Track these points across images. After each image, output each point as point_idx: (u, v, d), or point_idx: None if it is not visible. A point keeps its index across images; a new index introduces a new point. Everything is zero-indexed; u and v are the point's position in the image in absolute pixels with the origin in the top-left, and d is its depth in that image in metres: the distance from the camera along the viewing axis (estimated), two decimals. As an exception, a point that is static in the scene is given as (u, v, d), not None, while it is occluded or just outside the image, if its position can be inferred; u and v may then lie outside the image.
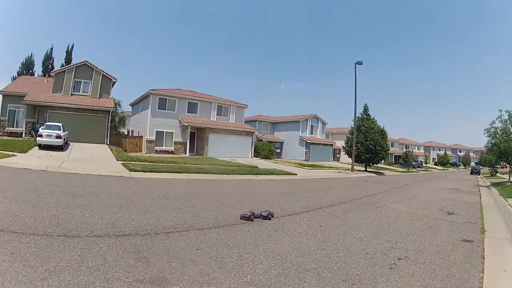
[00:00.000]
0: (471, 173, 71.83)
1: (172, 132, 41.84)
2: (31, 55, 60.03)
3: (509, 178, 31.80)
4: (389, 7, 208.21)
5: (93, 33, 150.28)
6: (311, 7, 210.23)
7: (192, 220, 7.29)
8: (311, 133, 64.23)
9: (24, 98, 31.86)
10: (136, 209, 8.03)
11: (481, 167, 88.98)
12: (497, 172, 60.21)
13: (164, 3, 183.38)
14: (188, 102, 44.76)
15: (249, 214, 8.18)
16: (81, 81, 37.05)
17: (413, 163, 79.85)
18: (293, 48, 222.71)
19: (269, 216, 8.49)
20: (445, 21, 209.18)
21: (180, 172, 19.01)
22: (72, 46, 59.96)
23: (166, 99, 42.21)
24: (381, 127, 48.88)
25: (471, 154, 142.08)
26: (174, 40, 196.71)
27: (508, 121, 29.68)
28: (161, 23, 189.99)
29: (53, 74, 37.50)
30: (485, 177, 57.28)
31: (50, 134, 23.69)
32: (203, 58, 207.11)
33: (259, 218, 8.38)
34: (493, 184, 31.75)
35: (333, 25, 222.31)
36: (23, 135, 32.96)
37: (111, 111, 36.12)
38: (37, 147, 23.49)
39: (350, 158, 44.89)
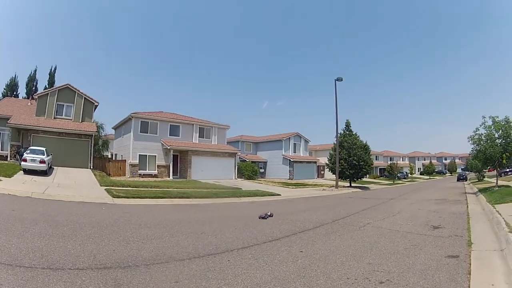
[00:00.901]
0: (457, 180, 72.58)
1: (155, 156, 41.98)
2: (15, 76, 60.71)
3: (496, 183, 31.86)
4: (369, 21, 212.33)
5: (75, 55, 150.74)
6: (292, 23, 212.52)
7: (173, 251, 7.31)
8: (294, 152, 65.06)
9: (8, 121, 31.77)
10: (118, 239, 8.08)
11: (467, 173, 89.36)
12: (484, 177, 60.22)
13: (145, 25, 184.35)
14: (170, 125, 45.10)
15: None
16: (63, 105, 37.18)
17: (398, 174, 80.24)
18: (274, 66, 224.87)
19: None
20: (425, 31, 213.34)
21: (162, 197, 19.05)
22: (55, 68, 60.19)
23: (148, 122, 42.40)
24: (364, 142, 48.86)
25: (456, 160, 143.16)
26: (155, 61, 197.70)
27: (493, 127, 30.01)
28: (142, 44, 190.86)
29: (36, 97, 37.45)
30: (472, 183, 57.31)
31: (34, 158, 23.79)
32: (185, 79, 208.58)
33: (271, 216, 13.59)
34: (480, 190, 31.59)
35: (313, 42, 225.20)
36: (8, 158, 32.79)
37: (93, 135, 36.26)
38: (22, 172, 23.43)
39: (334, 175, 44.78)
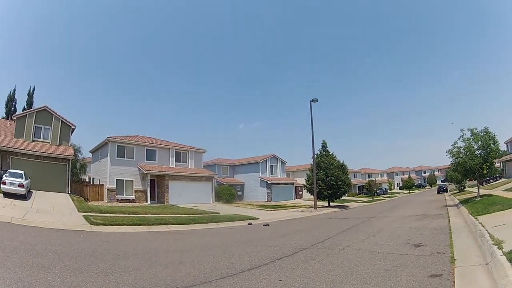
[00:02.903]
0: (438, 192, 73.75)
1: (132, 180, 41.91)
2: (-5, 95, 59.34)
3: (478, 193, 31.76)
4: (343, 32, 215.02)
5: (51, 75, 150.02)
6: (266, 45, 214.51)
7: (151, 283, 7.27)
8: (271, 173, 65.51)
9: (-13, 142, 31.06)
10: (96, 271, 8.04)
11: (447, 184, 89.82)
12: (465, 187, 60.51)
13: (123, 45, 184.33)
14: (147, 149, 45.50)
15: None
16: (41, 127, 37.09)
17: (377, 191, 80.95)
18: (249, 87, 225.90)
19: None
20: (398, 43, 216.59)
21: (140, 225, 19.04)
22: (34, 89, 59.45)
23: (125, 146, 42.65)
24: (341, 162, 49.19)
25: (436, 173, 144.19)
26: (133, 82, 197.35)
27: (471, 139, 30.16)
28: (120, 64, 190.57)
29: (15, 118, 37.12)
30: (453, 194, 58.00)
31: (13, 182, 23.55)
32: (160, 101, 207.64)
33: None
34: (462, 202, 31.75)
35: (286, 61, 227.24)
36: (-12, 179, 32.28)
37: (71, 159, 35.82)
38: (1, 194, 23.15)
39: (313, 195, 44.74)
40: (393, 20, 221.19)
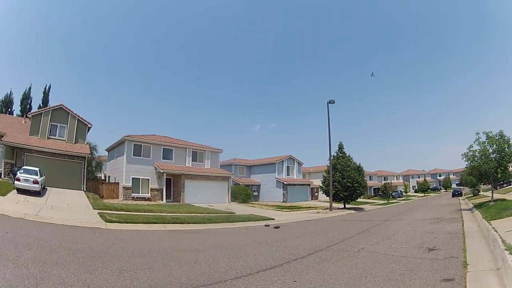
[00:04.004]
0: (452, 196, 72.98)
1: (148, 179, 42.00)
2: (10, 93, 60.25)
3: (492, 197, 31.56)
4: (357, 36, 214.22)
5: (70, 74, 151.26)
6: (280, 48, 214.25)
7: (166, 281, 7.23)
8: (288, 174, 65.14)
9: (2, 139, 31.69)
10: (111, 268, 8.02)
11: (462, 188, 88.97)
12: (479, 192, 59.58)
13: (141, 46, 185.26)
14: (163, 148, 45.49)
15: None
16: (57, 125, 37.38)
17: (392, 194, 79.72)
18: (266, 88, 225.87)
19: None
20: (413, 44, 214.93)
21: (156, 223, 19.02)
22: (49, 87, 60.02)
23: (141, 145, 42.67)
24: (357, 164, 49.47)
25: (451, 176, 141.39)
26: (149, 83, 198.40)
27: (487, 142, 29.95)
28: (137, 65, 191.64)
29: (30, 116, 37.46)
30: (467, 198, 57.26)
31: (27, 178, 23.70)
32: (178, 101, 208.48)
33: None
34: (476, 206, 31.54)
35: (302, 63, 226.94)
36: (2, 175, 32.59)
37: (86, 157, 36.06)
38: (15, 191, 23.31)
39: (328, 197, 44.63)
40: (407, 21, 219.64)
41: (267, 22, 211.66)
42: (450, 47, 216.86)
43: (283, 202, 59.01)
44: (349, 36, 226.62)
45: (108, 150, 51.73)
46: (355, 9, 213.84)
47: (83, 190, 34.37)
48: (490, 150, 29.98)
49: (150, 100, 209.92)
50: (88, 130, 41.34)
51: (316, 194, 72.13)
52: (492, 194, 32.51)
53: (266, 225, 23.52)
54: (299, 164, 71.02)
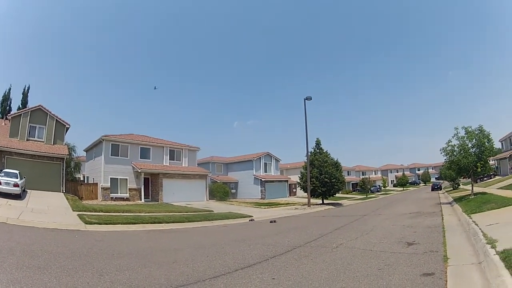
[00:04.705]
0: (432, 190, 73.63)
1: (127, 179, 41.72)
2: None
3: (472, 191, 31.57)
4: (334, 34, 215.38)
5: (46, 75, 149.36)
6: (263, 43, 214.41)
7: (145, 283, 7.26)
8: (265, 171, 65.49)
9: (-16, 142, 30.82)
10: (91, 271, 8.05)
11: (441, 181, 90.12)
12: (459, 185, 60.10)
13: (118, 43, 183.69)
14: (141, 147, 45.22)
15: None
16: (36, 126, 36.83)
17: (371, 188, 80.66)
18: (244, 84, 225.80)
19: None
20: (394, 43, 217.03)
21: (134, 223, 19.04)
22: (28, 88, 58.87)
23: (119, 145, 42.34)
24: (335, 160, 49.28)
25: (430, 170, 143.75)
26: (126, 79, 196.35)
27: (466, 137, 29.94)
28: (114, 62, 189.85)
29: (10, 117, 36.86)
30: (447, 191, 57.63)
31: (8, 182, 23.42)
32: (154, 100, 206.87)
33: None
34: (456, 200, 31.68)
35: (282, 60, 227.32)
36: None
37: (65, 158, 35.57)
38: (-3, 194, 22.92)
39: (306, 193, 44.72)
40: (389, 20, 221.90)
41: (248, 20, 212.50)
42: (431, 45, 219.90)
43: (261, 199, 59.38)
44: (332, 33, 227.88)
45: (86, 150, 51.11)
46: (337, 8, 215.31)
47: (63, 192, 34.00)
48: (470, 145, 29.97)
49: (128, 98, 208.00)
50: (66, 131, 40.80)
51: (294, 190, 72.39)
52: (472, 188, 32.54)
53: (250, 220, 24.20)
54: (277, 160, 71.49)
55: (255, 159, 65.31)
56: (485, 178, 59.96)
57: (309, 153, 46.61)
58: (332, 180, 45.39)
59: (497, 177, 59.97)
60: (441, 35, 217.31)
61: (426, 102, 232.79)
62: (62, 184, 35.32)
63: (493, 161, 70.71)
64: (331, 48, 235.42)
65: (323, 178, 45.16)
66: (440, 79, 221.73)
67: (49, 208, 21.98)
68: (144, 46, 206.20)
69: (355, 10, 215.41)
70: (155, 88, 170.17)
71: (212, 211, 30.39)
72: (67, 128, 40.57)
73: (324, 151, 49.65)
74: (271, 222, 23.36)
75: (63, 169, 35.79)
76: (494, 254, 7.59)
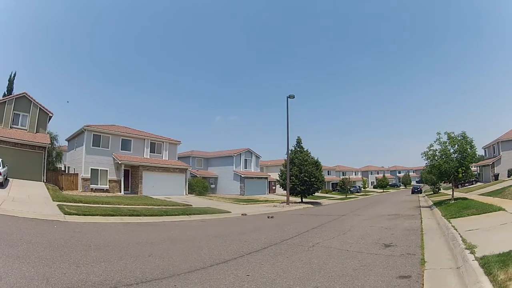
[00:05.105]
0: (412, 193, 73.54)
1: (107, 170, 41.40)
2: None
3: (452, 196, 31.62)
4: (320, 36, 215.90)
5: (31, 63, 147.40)
6: (244, 40, 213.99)
7: (121, 275, 7.30)
8: (245, 167, 65.56)
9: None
10: (68, 262, 8.09)
11: (422, 185, 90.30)
12: (439, 189, 60.76)
13: (102, 36, 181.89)
14: (122, 139, 44.83)
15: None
16: (20, 114, 36.42)
17: (351, 189, 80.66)
18: (228, 80, 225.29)
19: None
20: (376, 47, 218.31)
21: (113, 215, 18.95)
22: (15, 74, 58.05)
23: (100, 135, 41.94)
24: (315, 159, 49.40)
25: (411, 173, 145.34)
26: (110, 70, 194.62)
27: (448, 142, 30.09)
28: (96, 58, 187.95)
29: (-5, 104, 36.19)
30: (427, 195, 57.95)
31: (-10, 170, 23.03)
32: (139, 88, 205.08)
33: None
34: (436, 204, 31.73)
35: (267, 57, 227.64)
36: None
37: (47, 147, 35.23)
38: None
39: (286, 191, 44.79)
40: (374, 22, 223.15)
41: (234, 16, 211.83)
42: (417, 50, 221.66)
43: (240, 195, 59.40)
44: (317, 32, 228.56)
45: (68, 140, 50.58)
46: (321, 7, 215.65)
47: (44, 182, 33.67)
48: (452, 150, 30.11)
49: (112, 88, 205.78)
50: (49, 119, 40.44)
51: (274, 187, 72.96)
52: (453, 193, 32.67)
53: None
54: (257, 157, 71.53)
55: (235, 155, 65.39)
56: (467, 184, 60.47)
57: (289, 151, 46.64)
58: (312, 179, 45.57)
59: (478, 184, 60.40)
60: (425, 41, 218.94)
61: (410, 105, 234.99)
62: (43, 173, 34.99)
63: (476, 168, 71.39)
64: (317, 48, 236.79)
65: (302, 177, 45.34)
66: (423, 83, 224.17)
67: (30, 198, 21.88)
68: (133, 39, 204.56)
69: (340, 11, 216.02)
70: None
71: (191, 205, 30.36)
72: (50, 117, 40.17)
73: (305, 149, 49.79)
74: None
75: (44, 158, 35.42)
76: (473, 260, 7.67)
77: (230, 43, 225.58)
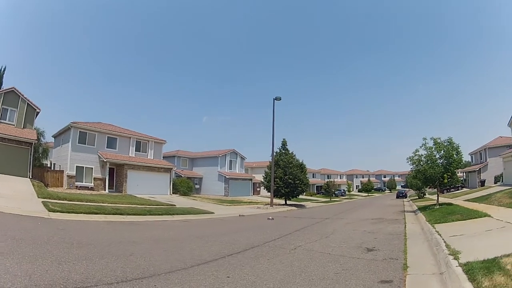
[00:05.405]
0: (397, 197, 73.97)
1: (92, 168, 41.05)
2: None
3: (437, 201, 31.39)
4: (310, 39, 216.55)
5: (24, 58, 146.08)
6: (232, 42, 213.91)
7: (102, 274, 7.30)
8: (230, 168, 65.45)
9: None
10: (51, 259, 8.11)
11: (407, 190, 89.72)
12: (424, 194, 60.35)
13: (92, 34, 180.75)
14: (108, 137, 44.42)
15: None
16: (8, 109, 36.19)
17: (335, 192, 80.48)
18: (217, 80, 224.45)
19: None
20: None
21: (97, 213, 18.91)
22: (4, 69, 57.49)
23: (87, 133, 41.57)
24: (300, 161, 49.65)
25: (396, 178, 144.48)
26: (98, 64, 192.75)
27: (434, 148, 29.86)
28: (82, 54, 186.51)
29: (-16, 99, 35.74)
30: (412, 200, 57.43)
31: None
32: (125, 86, 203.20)
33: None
34: (420, 209, 31.40)
35: (256, 59, 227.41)
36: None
37: (34, 143, 34.92)
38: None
39: (270, 192, 44.75)
40: (363, 26, 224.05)
41: (224, 14, 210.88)
42: (402, 59, 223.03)
43: (224, 196, 59.18)
44: (307, 34, 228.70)
45: (55, 136, 49.98)
46: (313, 8, 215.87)
47: (29, 178, 33.43)
48: (437, 156, 29.89)
49: (98, 84, 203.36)
50: (37, 115, 40.23)
51: (258, 189, 72.84)
52: (438, 198, 32.55)
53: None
54: (242, 158, 71.63)
55: (220, 155, 65.22)
56: (452, 189, 60.91)
57: (274, 153, 46.75)
58: (296, 182, 45.67)
59: (464, 189, 60.53)
60: (409, 48, 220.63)
61: (398, 111, 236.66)
62: (29, 169, 34.74)
63: (462, 173, 72.02)
64: (304, 51, 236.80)
65: (287, 179, 45.38)
66: (412, 89, 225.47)
67: (15, 193, 21.84)
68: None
69: (328, 13, 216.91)
70: None
71: (175, 205, 30.39)
72: (38, 113, 39.96)
73: (290, 152, 49.91)
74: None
75: (31, 154, 35.16)
76: (456, 266, 7.59)
77: (229, 43, 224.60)
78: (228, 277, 7.68)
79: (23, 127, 37.00)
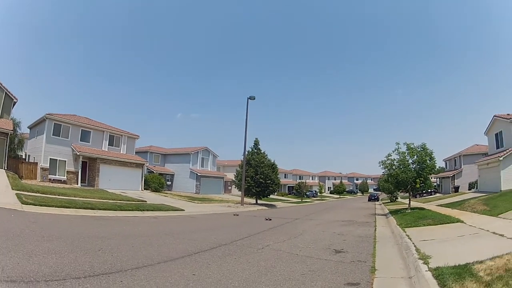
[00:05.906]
0: (369, 200, 74.26)
1: (65, 161, 40.67)
2: None
3: (409, 205, 31.55)
4: (285, 41, 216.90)
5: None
6: (208, 41, 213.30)
7: (70, 268, 7.39)
8: (202, 166, 65.55)
9: None
10: (22, 252, 8.22)
11: (379, 193, 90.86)
12: (397, 198, 61.37)
13: (72, 28, 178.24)
14: (82, 130, 43.99)
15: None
16: (-16, 98, 34.22)
17: (307, 193, 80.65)
18: (193, 77, 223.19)
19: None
20: (336, 55, 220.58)
21: (68, 207, 18.89)
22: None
23: (61, 125, 41.03)
24: (272, 161, 49.68)
25: (369, 181, 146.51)
26: (74, 55, 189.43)
27: (407, 152, 30.09)
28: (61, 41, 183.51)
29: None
30: (384, 203, 58.30)
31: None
32: (100, 79, 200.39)
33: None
34: (392, 212, 31.43)
35: (233, 56, 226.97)
36: None
37: (9, 134, 34.36)
38: None
39: (241, 191, 44.84)
40: (343, 29, 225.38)
41: (204, 12, 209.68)
42: (383, 63, 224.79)
43: (196, 193, 59.30)
44: (288, 34, 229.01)
45: (30, 127, 48.89)
46: (296, 7, 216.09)
47: (4, 169, 32.95)
48: (410, 161, 30.22)
49: (74, 76, 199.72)
50: (14, 105, 39.60)
51: (230, 188, 73.07)
52: (410, 202, 32.73)
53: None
54: (214, 156, 71.64)
55: (192, 152, 65.20)
56: (425, 194, 61.53)
57: (246, 152, 46.77)
58: (267, 181, 46.03)
59: (438, 195, 61.26)
60: (393, 53, 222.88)
61: (373, 116, 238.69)
62: (4, 161, 34.21)
63: (436, 179, 73.16)
64: (280, 51, 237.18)
65: (258, 178, 45.69)
66: (390, 95, 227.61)
67: (-11, 185, 21.65)
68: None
69: (308, 14, 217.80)
70: None
71: (146, 201, 30.44)
72: (15, 103, 39.36)
73: (262, 151, 50.14)
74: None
75: (6, 145, 34.61)
76: (426, 270, 7.54)
77: (200, 37, 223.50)
78: (194, 274, 7.70)
79: (0, 117, 36.36)
